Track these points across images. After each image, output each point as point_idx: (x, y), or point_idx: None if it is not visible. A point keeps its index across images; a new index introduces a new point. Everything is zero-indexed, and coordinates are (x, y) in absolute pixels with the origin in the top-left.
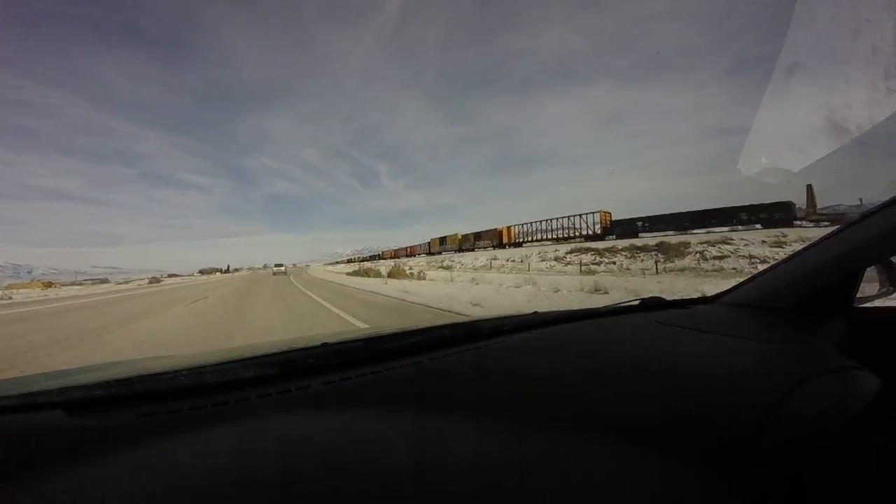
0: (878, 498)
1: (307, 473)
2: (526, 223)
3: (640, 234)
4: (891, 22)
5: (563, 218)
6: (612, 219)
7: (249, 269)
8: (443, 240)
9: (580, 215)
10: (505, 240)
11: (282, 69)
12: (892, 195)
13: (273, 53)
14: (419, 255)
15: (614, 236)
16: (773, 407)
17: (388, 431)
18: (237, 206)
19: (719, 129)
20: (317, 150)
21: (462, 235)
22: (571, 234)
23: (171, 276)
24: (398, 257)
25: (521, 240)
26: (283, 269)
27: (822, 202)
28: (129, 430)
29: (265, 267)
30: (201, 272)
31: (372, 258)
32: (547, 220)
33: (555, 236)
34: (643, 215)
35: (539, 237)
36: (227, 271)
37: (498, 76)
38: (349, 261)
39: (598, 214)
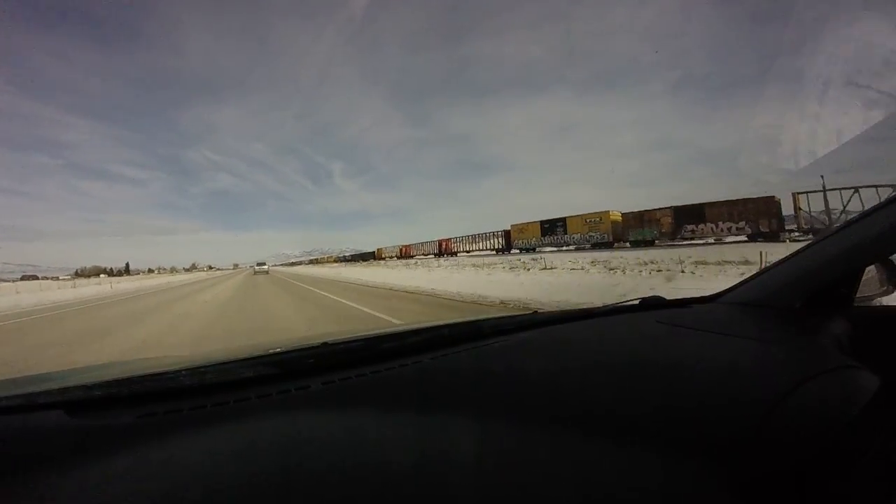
0: (879, 498)
1: (307, 474)
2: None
3: None
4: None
5: None
6: None
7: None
8: (550, 225)
9: None
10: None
11: (233, 58)
12: (893, 194)
13: (225, 40)
14: (464, 252)
15: None
16: (773, 406)
17: (389, 431)
18: (175, 202)
19: (665, 142)
20: (266, 146)
21: (629, 214)
22: None
23: (29, 277)
24: (408, 255)
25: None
26: (265, 268)
27: None
28: (129, 430)
29: (194, 267)
30: (78, 273)
31: (357, 258)
32: None
33: None
34: None
35: None
36: (128, 271)
37: (459, 81)
38: (314, 261)
39: None
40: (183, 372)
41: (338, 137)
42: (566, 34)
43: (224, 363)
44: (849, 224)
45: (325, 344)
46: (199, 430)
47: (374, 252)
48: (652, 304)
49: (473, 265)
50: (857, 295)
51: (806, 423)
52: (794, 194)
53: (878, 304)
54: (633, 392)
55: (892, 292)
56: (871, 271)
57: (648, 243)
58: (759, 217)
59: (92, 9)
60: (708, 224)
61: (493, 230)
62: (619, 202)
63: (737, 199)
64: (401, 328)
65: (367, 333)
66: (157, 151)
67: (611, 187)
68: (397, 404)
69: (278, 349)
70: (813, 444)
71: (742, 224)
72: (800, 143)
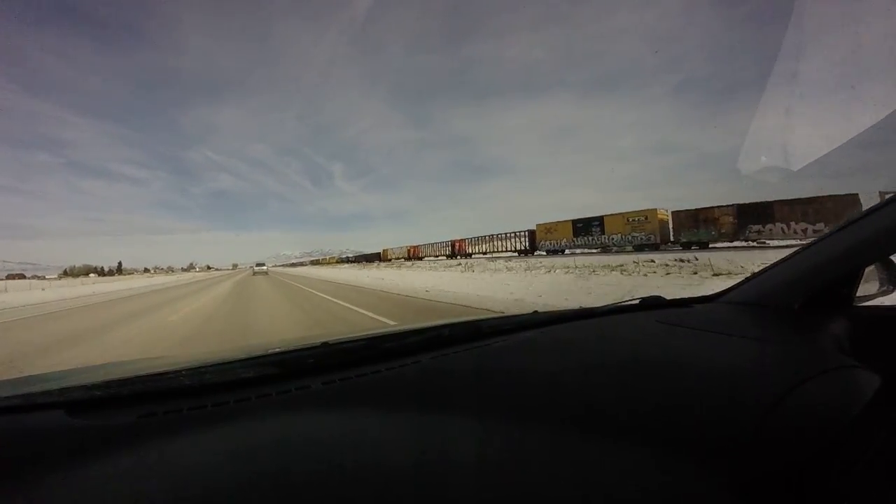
0: (879, 498)
1: (307, 474)
2: None
3: None
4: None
5: None
6: None
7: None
8: (585, 224)
9: None
10: None
11: (235, 58)
12: (893, 193)
13: (227, 40)
14: (479, 254)
15: None
16: (773, 406)
17: (389, 431)
18: (175, 202)
19: (664, 145)
20: (267, 146)
21: (681, 213)
22: None
23: (16, 276)
24: (417, 257)
25: None
26: (264, 269)
27: None
28: (129, 430)
29: (192, 267)
30: (67, 273)
31: (361, 259)
32: None
33: None
34: None
35: None
36: (120, 271)
37: (460, 83)
38: (315, 262)
39: None
40: (183, 372)
41: (338, 139)
42: (567, 37)
43: (224, 363)
44: (848, 224)
45: (325, 344)
46: (199, 430)
47: (378, 253)
48: (652, 304)
49: (604, 266)
50: (857, 295)
51: (805, 423)
52: (881, 193)
53: (877, 304)
54: (633, 392)
55: (892, 292)
56: (870, 271)
57: (703, 245)
58: (841, 218)
59: (93, 8)
60: (778, 224)
61: (509, 231)
62: (619, 204)
63: (813, 197)
64: (401, 328)
65: (367, 333)
66: (158, 151)
67: (610, 190)
68: (397, 404)
69: (278, 349)
70: (812, 444)
71: (821, 226)
72: (800, 145)
